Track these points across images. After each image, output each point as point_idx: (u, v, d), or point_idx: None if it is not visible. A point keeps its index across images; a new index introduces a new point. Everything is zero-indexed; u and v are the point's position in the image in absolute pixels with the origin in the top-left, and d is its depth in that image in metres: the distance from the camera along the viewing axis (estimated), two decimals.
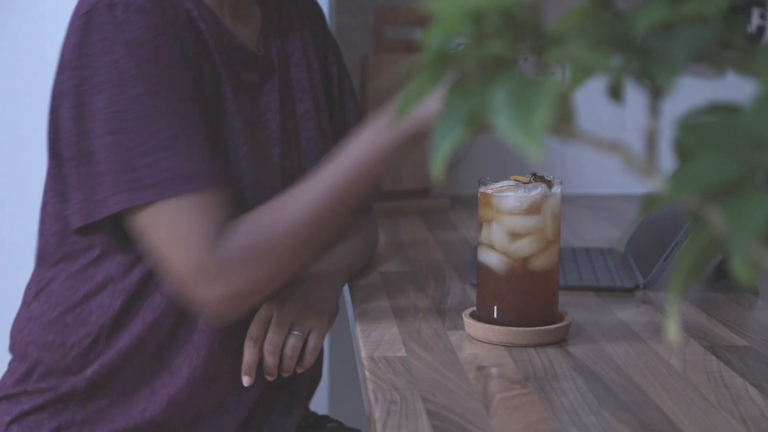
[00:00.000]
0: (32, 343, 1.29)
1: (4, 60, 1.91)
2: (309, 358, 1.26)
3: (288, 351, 1.25)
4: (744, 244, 0.42)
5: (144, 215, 1.16)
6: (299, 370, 1.27)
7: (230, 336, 1.28)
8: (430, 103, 0.99)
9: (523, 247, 1.13)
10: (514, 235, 1.13)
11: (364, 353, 1.08)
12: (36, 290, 1.31)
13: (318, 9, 1.48)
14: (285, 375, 1.27)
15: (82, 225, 1.20)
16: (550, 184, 1.14)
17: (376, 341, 1.12)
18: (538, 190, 1.13)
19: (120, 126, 1.15)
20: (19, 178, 1.93)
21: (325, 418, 1.53)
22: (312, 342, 1.26)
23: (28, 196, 1.93)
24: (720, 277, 1.41)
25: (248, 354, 1.25)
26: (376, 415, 0.89)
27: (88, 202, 1.18)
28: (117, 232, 1.23)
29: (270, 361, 1.24)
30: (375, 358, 1.06)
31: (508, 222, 1.13)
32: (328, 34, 1.48)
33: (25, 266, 1.98)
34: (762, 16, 2.06)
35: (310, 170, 1.22)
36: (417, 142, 1.15)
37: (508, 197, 1.13)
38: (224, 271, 1.14)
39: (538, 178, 1.15)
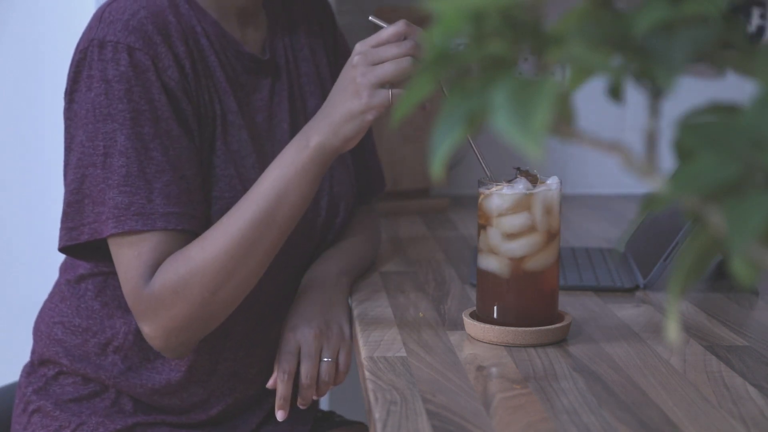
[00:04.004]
0: (59, 323, 1.34)
1: (4, 60, 1.91)
2: (342, 377, 1.27)
3: (324, 377, 1.25)
4: (744, 244, 0.42)
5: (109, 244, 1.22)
6: (332, 388, 1.28)
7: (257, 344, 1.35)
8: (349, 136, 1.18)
9: (517, 246, 1.12)
10: (506, 235, 1.13)
11: (364, 353, 1.08)
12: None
13: (325, 3, 1.49)
14: (317, 398, 1.28)
15: (61, 247, 1.25)
16: (533, 179, 1.13)
17: (376, 341, 1.12)
18: (520, 187, 1.12)
19: (89, 161, 1.20)
20: (19, 178, 1.93)
21: (331, 413, 1.53)
22: (343, 361, 1.26)
23: (28, 195, 1.93)
24: (720, 277, 1.41)
25: (282, 388, 1.24)
26: (376, 415, 0.89)
27: (60, 228, 1.24)
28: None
29: (308, 393, 1.24)
30: (375, 358, 1.06)
31: (497, 222, 1.13)
32: (336, 28, 1.49)
33: (25, 266, 1.97)
34: (762, 16, 2.06)
35: None
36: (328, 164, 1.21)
37: (492, 196, 1.13)
38: (152, 308, 1.18)
39: (522, 173, 1.14)
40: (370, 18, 1.26)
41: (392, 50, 1.17)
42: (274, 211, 1.19)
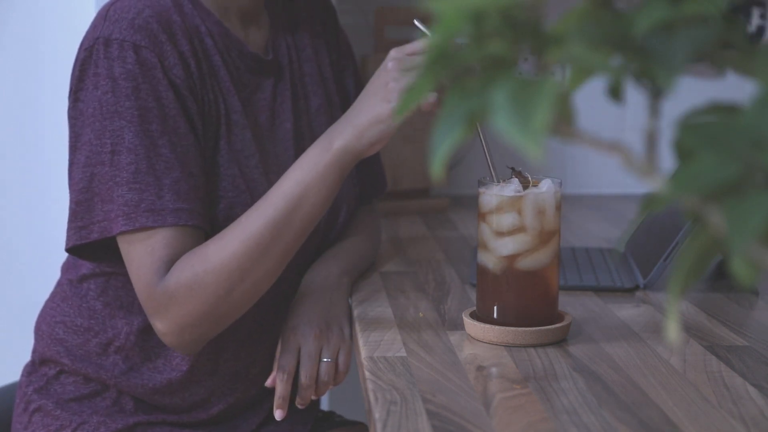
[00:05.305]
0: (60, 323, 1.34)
1: (4, 60, 1.91)
2: (342, 378, 1.27)
3: (324, 377, 1.25)
4: (744, 244, 0.42)
5: (119, 242, 1.21)
6: (331, 388, 1.28)
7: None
8: (372, 142, 1.17)
9: (503, 244, 1.13)
10: (495, 232, 1.13)
11: (364, 353, 1.08)
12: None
13: (327, 3, 1.49)
14: (316, 398, 1.28)
15: (70, 247, 1.24)
16: (526, 181, 1.14)
17: (376, 341, 1.12)
18: (511, 188, 1.13)
19: (97, 159, 1.19)
20: (19, 178, 1.93)
21: (331, 413, 1.53)
22: (342, 361, 1.26)
23: (28, 195, 1.93)
24: (720, 277, 1.41)
25: (281, 388, 1.24)
26: (376, 415, 0.89)
27: (68, 228, 1.23)
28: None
29: (307, 393, 1.24)
30: (375, 358, 1.06)
31: (489, 218, 1.14)
32: (339, 28, 1.49)
33: (26, 266, 1.97)
34: (762, 16, 2.06)
35: None
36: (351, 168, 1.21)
37: (486, 194, 1.13)
38: (165, 304, 1.18)
39: (516, 173, 1.14)
40: (414, 22, 1.25)
41: None
42: (293, 212, 1.19)
